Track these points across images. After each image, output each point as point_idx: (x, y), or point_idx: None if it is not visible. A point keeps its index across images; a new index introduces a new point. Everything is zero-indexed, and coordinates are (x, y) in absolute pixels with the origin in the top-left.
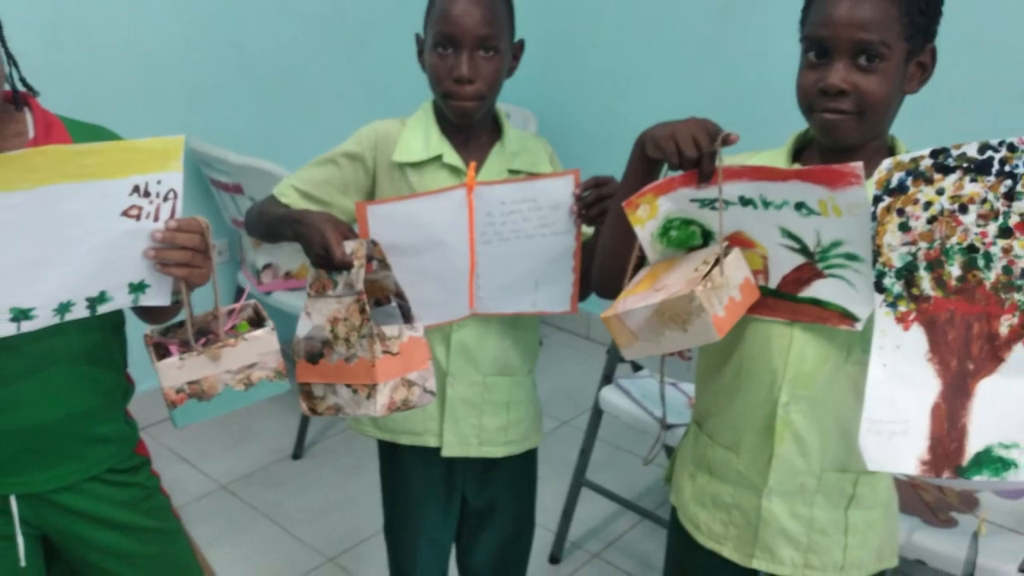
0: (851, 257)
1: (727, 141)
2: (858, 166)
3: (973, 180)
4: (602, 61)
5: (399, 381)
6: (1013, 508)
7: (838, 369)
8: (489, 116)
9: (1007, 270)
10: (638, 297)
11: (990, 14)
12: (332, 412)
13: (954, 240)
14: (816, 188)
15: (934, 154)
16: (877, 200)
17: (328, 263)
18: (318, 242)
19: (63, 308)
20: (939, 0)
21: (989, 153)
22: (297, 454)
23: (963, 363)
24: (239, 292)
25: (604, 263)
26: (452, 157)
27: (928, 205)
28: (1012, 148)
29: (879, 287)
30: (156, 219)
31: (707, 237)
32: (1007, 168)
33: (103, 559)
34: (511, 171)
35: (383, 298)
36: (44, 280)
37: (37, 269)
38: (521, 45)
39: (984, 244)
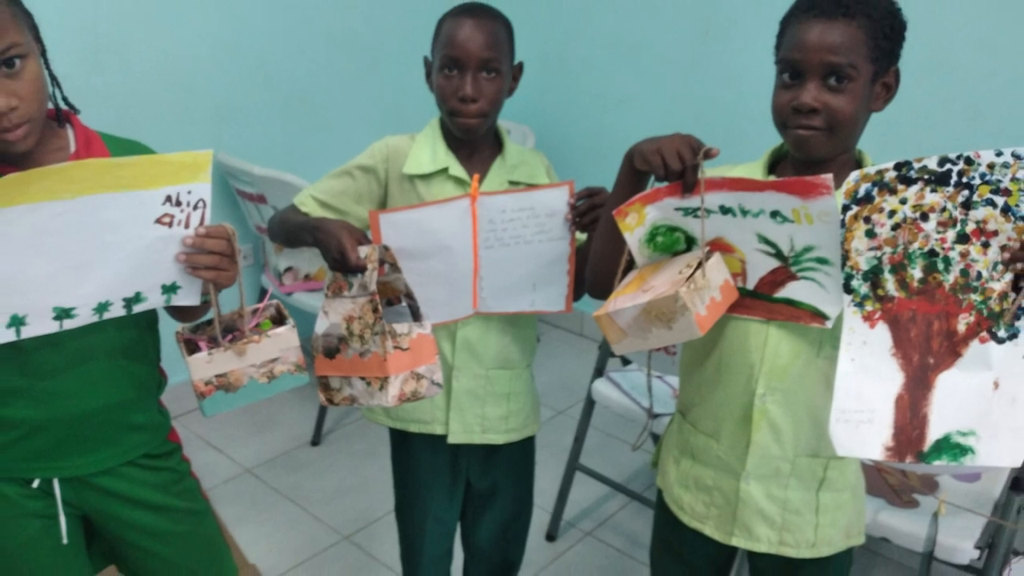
0: (822, 261)
1: (708, 155)
2: (828, 178)
3: (933, 191)
4: (594, 82)
5: (409, 374)
6: (970, 490)
7: (810, 363)
8: (491, 132)
9: (964, 273)
10: (627, 298)
11: (949, 40)
12: (348, 402)
13: (916, 245)
14: (790, 198)
15: (898, 167)
16: (845, 209)
17: (344, 266)
18: (335, 247)
19: (102, 307)
20: (902, 26)
21: (948, 166)
22: (315, 441)
23: (924, 358)
24: (262, 293)
25: (596, 266)
26: (457, 169)
27: (892, 213)
28: (969, 161)
29: (847, 288)
30: (187, 226)
31: (690, 242)
32: (964, 180)
33: (138, 537)
34: (511, 182)
35: (394, 298)
36: (84, 282)
37: (78, 272)
38: (520, 67)
39: (943, 249)
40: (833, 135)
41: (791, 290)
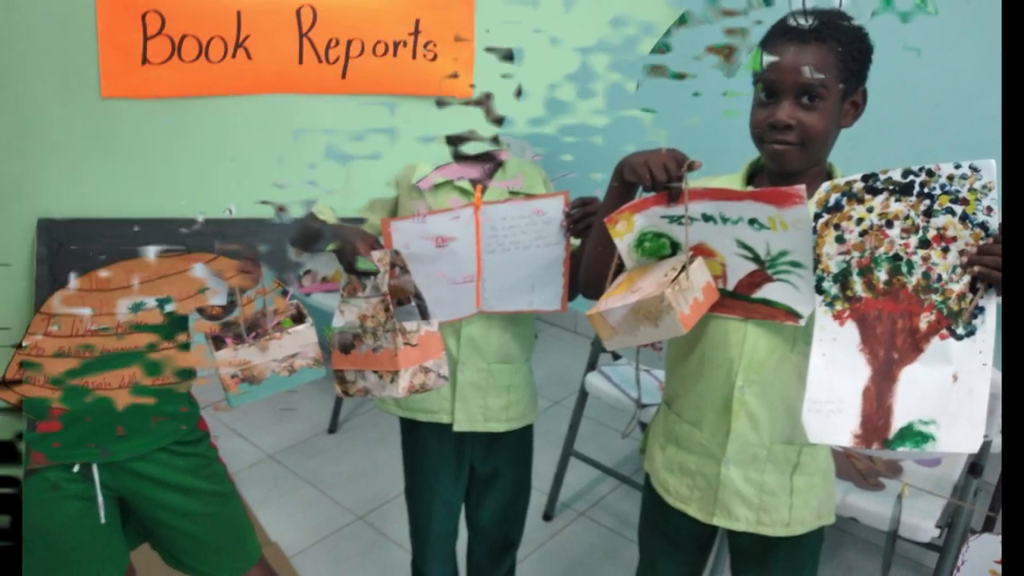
0: (795, 264)
1: (692, 167)
2: (801, 188)
3: (898, 200)
4: None
5: (417, 368)
6: (931, 474)
7: (785, 358)
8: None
9: (926, 275)
10: (617, 298)
11: (912, 62)
12: (362, 394)
13: (882, 250)
14: (766, 207)
15: (865, 178)
16: (817, 217)
17: (358, 270)
18: (350, 252)
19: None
20: (869, 50)
21: (911, 177)
22: (332, 429)
23: (889, 353)
24: (283, 294)
25: (589, 269)
26: (462, 181)
27: (860, 221)
28: (930, 173)
29: (819, 289)
30: None
31: (675, 247)
32: (926, 190)
33: (170, 517)
34: (511, 192)
35: (404, 299)
36: None
37: None
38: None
39: (907, 254)
40: (806, 149)
41: (767, 291)
